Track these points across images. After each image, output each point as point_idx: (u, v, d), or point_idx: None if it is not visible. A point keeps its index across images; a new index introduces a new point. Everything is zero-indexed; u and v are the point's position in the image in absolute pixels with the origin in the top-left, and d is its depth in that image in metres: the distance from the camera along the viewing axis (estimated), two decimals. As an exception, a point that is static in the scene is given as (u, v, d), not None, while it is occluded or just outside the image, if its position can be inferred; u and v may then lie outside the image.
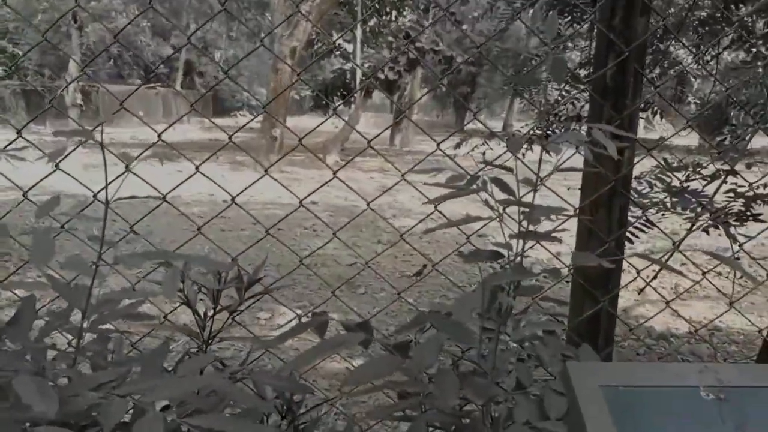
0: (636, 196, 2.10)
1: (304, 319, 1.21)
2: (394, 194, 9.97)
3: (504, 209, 0.96)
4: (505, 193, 0.93)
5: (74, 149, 1.08)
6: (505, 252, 0.85)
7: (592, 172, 1.36)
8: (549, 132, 3.66)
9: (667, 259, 1.96)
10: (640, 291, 2.89)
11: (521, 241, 0.83)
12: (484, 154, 4.15)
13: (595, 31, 1.36)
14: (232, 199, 1.43)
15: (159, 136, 1.26)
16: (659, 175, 2.25)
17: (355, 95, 16.06)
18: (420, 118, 38.68)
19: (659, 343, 4.02)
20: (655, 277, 2.58)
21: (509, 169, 0.83)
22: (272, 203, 9.12)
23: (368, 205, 1.42)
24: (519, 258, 0.82)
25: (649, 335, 4.14)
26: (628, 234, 2.18)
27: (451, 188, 0.85)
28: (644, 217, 1.90)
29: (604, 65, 1.34)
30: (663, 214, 2.20)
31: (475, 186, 0.94)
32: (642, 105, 2.30)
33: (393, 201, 9.54)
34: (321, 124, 1.51)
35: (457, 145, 4.02)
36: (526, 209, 0.84)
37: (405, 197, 9.64)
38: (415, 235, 7.29)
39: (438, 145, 1.40)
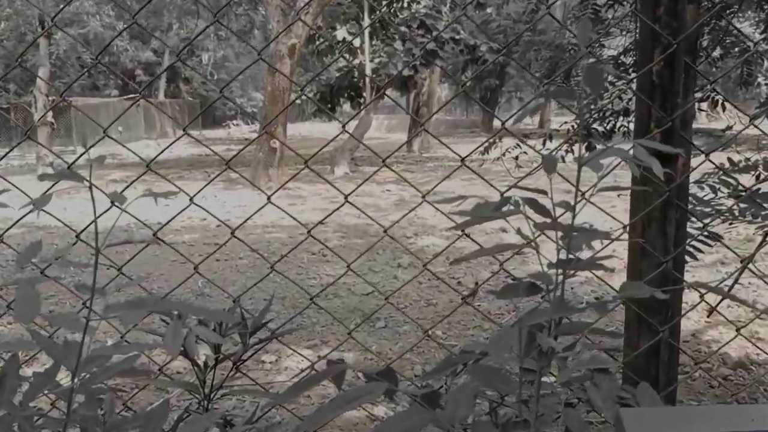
0: (696, 204, 2.10)
1: (318, 367, 1.24)
2: (419, 208, 10.00)
3: (539, 234, 0.98)
4: (541, 216, 0.96)
5: (53, 185, 1.13)
6: (543, 284, 0.88)
7: (641, 181, 1.38)
8: (592, 130, 3.67)
9: (737, 278, 1.95)
10: (709, 313, 2.87)
11: (561, 272, 0.86)
12: (517, 158, 4.17)
13: (638, 22, 1.39)
14: (232, 232, 1.47)
15: (148, 165, 1.31)
16: (723, 177, 2.25)
17: (365, 95, 16.19)
18: (442, 118, 38.85)
19: (736, 373, 3.97)
20: (724, 298, 2.54)
21: (543, 192, 0.85)
22: (274, 225, 9.20)
23: (386, 231, 1.45)
24: (559, 291, 0.84)
25: (724, 363, 4.08)
26: (690, 249, 2.18)
27: (478, 215, 0.88)
28: (706, 230, 1.90)
29: (649, 60, 1.37)
30: (730, 223, 2.19)
31: (507, 209, 0.96)
32: (700, 95, 2.31)
33: (414, 217, 9.56)
34: (329, 143, 1.55)
35: (486, 150, 4.05)
36: (566, 234, 0.86)
37: (427, 212, 9.64)
38: (441, 256, 7.30)
39: (462, 160, 1.43)
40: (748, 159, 2.50)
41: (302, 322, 5.13)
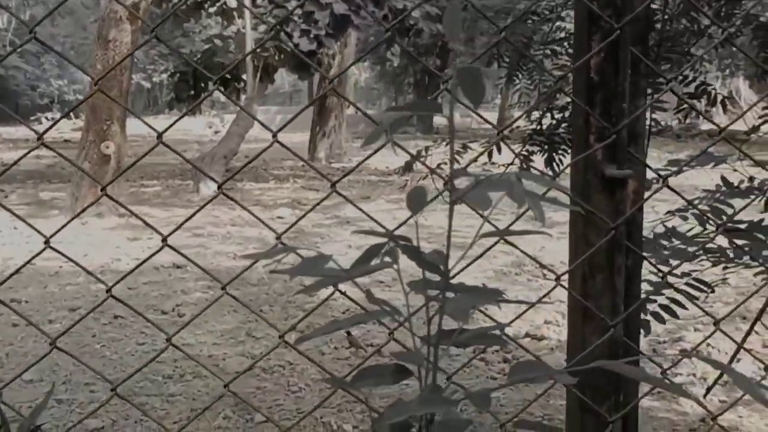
0: (674, 242, 2.22)
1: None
2: (321, 245, 10.01)
3: (436, 294, 1.03)
4: (429, 270, 1.01)
5: None
6: (414, 368, 0.92)
7: (580, 215, 1.46)
8: (552, 138, 3.82)
9: (730, 362, 2.06)
10: (706, 392, 2.99)
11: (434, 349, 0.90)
12: (447, 185, 4.25)
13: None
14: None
15: None
16: (716, 204, 2.40)
17: (245, 78, 16.17)
18: (361, 113, 39.05)
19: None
20: (720, 377, 2.66)
21: (406, 239, 0.90)
22: (104, 272, 9.03)
23: (225, 289, 1.47)
24: (431, 377, 0.88)
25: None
26: (668, 304, 2.30)
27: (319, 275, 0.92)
28: (667, 279, 2.00)
29: (585, 51, 1.46)
30: (725, 267, 2.33)
31: (378, 262, 1.01)
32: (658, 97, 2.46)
33: (316, 255, 9.59)
34: (143, 156, 1.57)
35: (408, 166, 4.12)
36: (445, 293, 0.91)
37: (337, 247, 9.72)
38: (350, 306, 7.35)
39: (333, 185, 1.47)
40: (752, 178, 2.66)
41: (141, 418, 5.03)
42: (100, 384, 5.59)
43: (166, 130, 1.52)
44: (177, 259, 9.39)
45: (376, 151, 1.46)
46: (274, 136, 1.50)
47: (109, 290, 1.55)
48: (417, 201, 0.88)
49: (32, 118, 31.93)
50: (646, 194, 1.58)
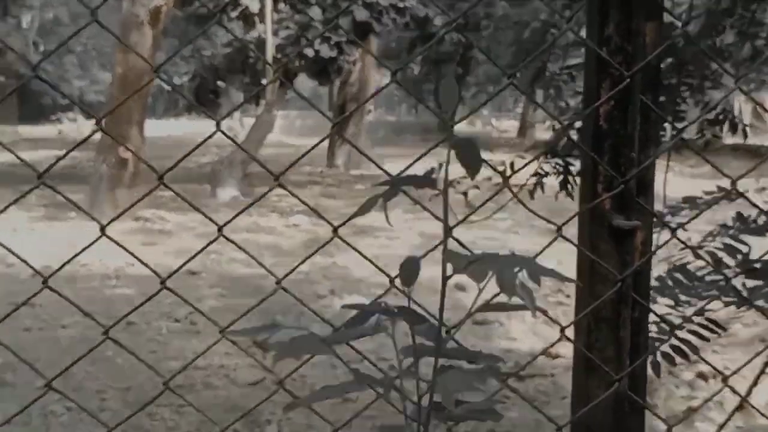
0: (690, 283, 2.19)
1: None
2: (335, 254, 9.92)
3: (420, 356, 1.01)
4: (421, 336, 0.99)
5: None
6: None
7: (586, 265, 1.44)
8: (567, 160, 3.79)
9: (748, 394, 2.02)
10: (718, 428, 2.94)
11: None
12: (465, 195, 4.21)
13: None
14: (45, 281, 1.48)
15: None
16: (730, 241, 2.36)
17: (264, 83, 16.19)
18: (382, 119, 39.11)
19: None
20: (735, 411, 2.63)
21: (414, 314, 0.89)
22: (119, 276, 9.05)
23: (278, 283, 1.48)
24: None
25: None
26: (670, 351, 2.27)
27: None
28: (680, 328, 1.97)
29: (595, 97, 1.44)
30: (739, 307, 2.29)
31: (376, 323, 1.00)
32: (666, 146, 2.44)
33: (331, 266, 9.57)
34: (198, 147, 1.56)
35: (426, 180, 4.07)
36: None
37: (350, 259, 9.62)
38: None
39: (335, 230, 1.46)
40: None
41: (149, 428, 5.03)
42: (111, 392, 5.60)
43: (224, 117, 1.51)
44: (192, 265, 9.40)
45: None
46: (334, 125, 1.49)
47: (163, 281, 1.53)
48: (410, 271, 0.87)
49: (53, 117, 32.12)
50: (654, 245, 1.57)
